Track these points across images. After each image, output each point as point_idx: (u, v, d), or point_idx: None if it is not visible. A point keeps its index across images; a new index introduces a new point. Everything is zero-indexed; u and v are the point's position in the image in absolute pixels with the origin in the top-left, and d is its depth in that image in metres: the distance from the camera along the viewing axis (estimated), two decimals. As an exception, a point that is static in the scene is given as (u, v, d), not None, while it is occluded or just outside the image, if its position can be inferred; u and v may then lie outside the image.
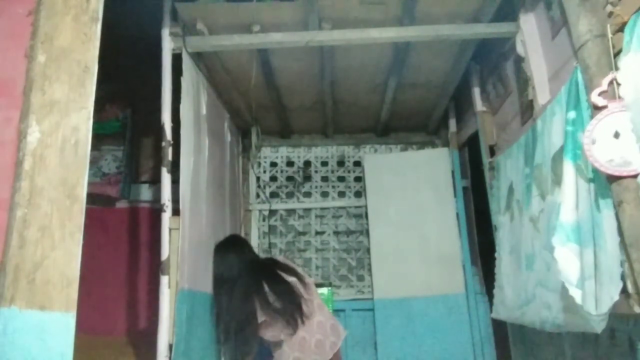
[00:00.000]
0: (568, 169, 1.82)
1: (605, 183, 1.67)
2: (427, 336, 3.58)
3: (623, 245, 1.60)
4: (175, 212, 2.34)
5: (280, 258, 2.95)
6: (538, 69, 2.39)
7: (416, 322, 3.61)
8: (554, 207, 1.96)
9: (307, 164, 4.26)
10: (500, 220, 2.79)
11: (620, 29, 1.66)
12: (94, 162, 3.68)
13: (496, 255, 2.87)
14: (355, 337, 3.69)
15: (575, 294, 1.70)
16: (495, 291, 2.83)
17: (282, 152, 4.28)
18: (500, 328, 3.25)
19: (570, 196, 1.80)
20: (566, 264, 1.75)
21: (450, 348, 3.55)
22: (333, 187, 4.20)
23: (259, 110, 3.71)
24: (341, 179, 4.25)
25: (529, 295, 2.24)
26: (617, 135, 1.61)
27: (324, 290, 3.52)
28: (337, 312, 3.65)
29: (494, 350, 3.52)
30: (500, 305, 2.72)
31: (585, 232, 1.73)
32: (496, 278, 2.85)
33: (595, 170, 1.68)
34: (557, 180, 1.95)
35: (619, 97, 1.64)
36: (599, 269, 1.65)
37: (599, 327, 1.63)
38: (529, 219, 2.29)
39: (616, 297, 1.56)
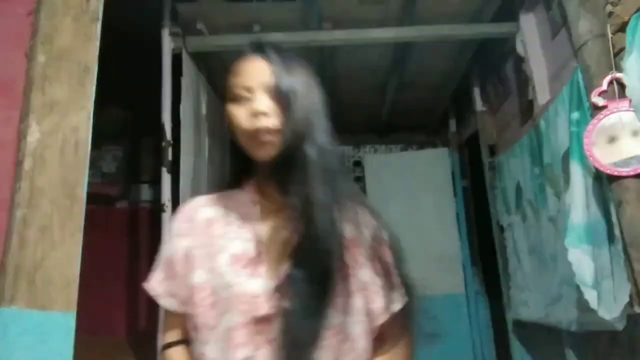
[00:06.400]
0: (575, 170, 1.81)
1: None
2: (426, 336, 3.58)
3: (623, 245, 1.60)
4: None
5: None
6: (538, 69, 2.39)
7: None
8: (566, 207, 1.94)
9: (307, 164, 4.23)
10: (511, 220, 2.77)
11: (621, 29, 1.66)
12: (94, 162, 3.68)
13: (508, 255, 2.84)
14: (355, 337, 3.69)
15: (590, 296, 1.69)
16: (513, 292, 2.80)
17: (282, 152, 4.28)
18: (500, 328, 3.25)
19: (579, 197, 1.78)
20: (580, 265, 1.74)
21: (450, 348, 3.54)
22: (333, 187, 4.20)
23: (259, 110, 3.71)
24: (341, 179, 4.24)
25: (555, 295, 2.21)
26: (617, 135, 1.61)
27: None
28: (337, 312, 3.65)
29: (494, 350, 3.52)
30: (522, 307, 2.68)
31: (598, 232, 1.72)
32: (511, 278, 2.82)
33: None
34: (569, 180, 1.93)
35: (619, 97, 1.63)
36: (615, 269, 1.65)
37: (619, 325, 1.63)
38: (547, 219, 2.26)
39: (626, 299, 1.56)
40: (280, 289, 0.82)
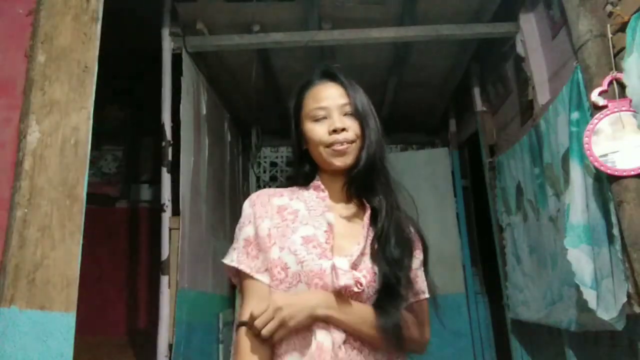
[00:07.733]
0: (575, 169, 1.81)
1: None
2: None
3: (623, 245, 1.60)
4: (175, 212, 2.34)
5: None
6: (538, 69, 2.39)
7: (416, 322, 3.61)
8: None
9: (307, 163, 4.23)
10: (511, 220, 2.77)
11: (621, 29, 1.66)
12: (94, 162, 3.68)
13: (507, 255, 2.85)
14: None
15: (589, 296, 1.69)
16: (511, 292, 2.80)
17: (282, 152, 4.29)
18: (500, 328, 3.25)
19: (579, 197, 1.79)
20: (580, 265, 1.74)
21: (450, 348, 3.55)
22: (333, 187, 4.21)
23: (259, 110, 3.71)
24: (341, 179, 4.25)
25: (555, 296, 2.22)
26: (617, 135, 1.61)
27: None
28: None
29: (494, 350, 3.52)
30: (521, 307, 2.68)
31: (598, 232, 1.72)
32: (509, 278, 2.83)
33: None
34: (569, 180, 1.93)
35: (619, 97, 1.63)
36: (615, 269, 1.65)
37: (618, 325, 1.63)
38: (548, 219, 2.27)
39: (624, 298, 1.56)
40: (354, 267, 0.98)
